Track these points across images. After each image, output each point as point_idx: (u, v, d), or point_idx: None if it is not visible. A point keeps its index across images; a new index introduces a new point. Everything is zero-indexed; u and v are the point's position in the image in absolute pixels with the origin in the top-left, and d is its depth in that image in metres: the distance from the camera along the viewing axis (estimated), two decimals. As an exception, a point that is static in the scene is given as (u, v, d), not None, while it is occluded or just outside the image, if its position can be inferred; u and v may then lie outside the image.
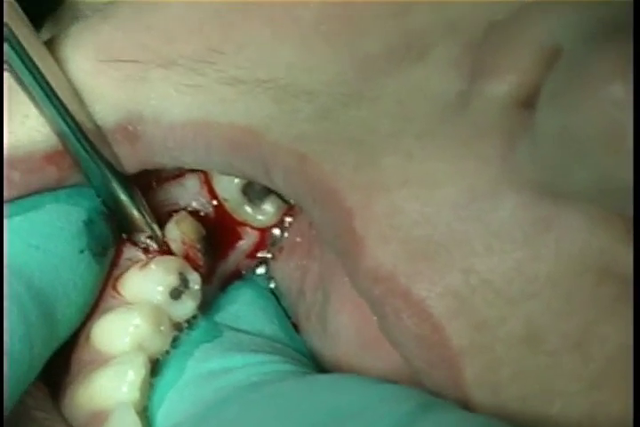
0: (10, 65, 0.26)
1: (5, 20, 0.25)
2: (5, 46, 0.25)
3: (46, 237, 0.27)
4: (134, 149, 0.28)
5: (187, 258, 0.30)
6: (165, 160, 0.28)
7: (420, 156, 0.23)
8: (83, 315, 0.29)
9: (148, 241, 0.30)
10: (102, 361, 0.28)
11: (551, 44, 0.22)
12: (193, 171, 0.32)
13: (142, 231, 0.30)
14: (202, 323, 0.30)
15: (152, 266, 0.29)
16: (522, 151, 0.22)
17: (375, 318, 0.25)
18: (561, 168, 0.20)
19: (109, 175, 0.28)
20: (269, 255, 0.33)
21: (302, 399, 0.24)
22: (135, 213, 0.29)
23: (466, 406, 0.24)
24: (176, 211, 0.32)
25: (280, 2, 0.26)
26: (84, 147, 0.27)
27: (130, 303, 0.29)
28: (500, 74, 0.22)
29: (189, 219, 0.31)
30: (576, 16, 0.21)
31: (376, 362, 0.28)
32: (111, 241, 0.29)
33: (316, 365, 0.30)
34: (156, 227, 0.30)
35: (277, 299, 0.33)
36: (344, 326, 0.29)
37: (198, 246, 0.30)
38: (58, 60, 0.27)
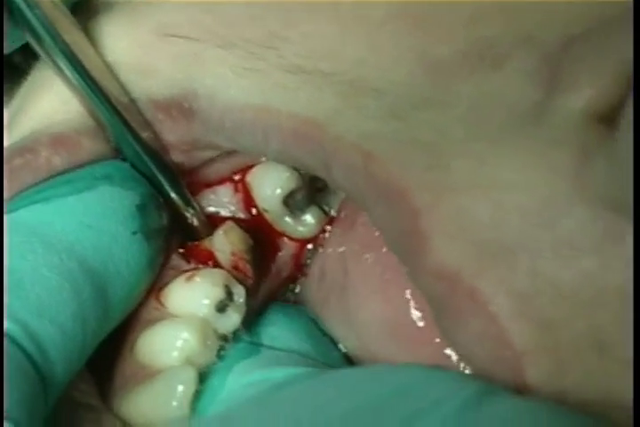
0: (40, 45, 0.26)
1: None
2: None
3: (99, 217, 0.27)
4: (190, 125, 0.28)
5: (236, 269, 0.30)
6: (220, 140, 0.28)
7: (492, 162, 0.23)
8: (136, 298, 0.28)
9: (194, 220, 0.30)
10: (147, 375, 0.28)
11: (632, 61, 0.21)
12: (230, 179, 0.32)
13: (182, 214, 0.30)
14: (241, 339, 0.30)
15: (197, 279, 0.29)
16: (598, 167, 0.22)
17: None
18: None
19: (143, 153, 0.28)
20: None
21: (364, 380, 0.24)
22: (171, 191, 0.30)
23: None
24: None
25: (345, 1, 0.26)
26: (117, 125, 0.27)
27: (175, 316, 0.29)
28: (579, 88, 0.22)
29: (237, 229, 0.30)
30: None
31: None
32: (164, 228, 0.29)
33: None
34: (195, 204, 0.30)
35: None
36: (373, 317, 0.29)
37: (247, 257, 0.30)
38: (107, 34, 0.28)
